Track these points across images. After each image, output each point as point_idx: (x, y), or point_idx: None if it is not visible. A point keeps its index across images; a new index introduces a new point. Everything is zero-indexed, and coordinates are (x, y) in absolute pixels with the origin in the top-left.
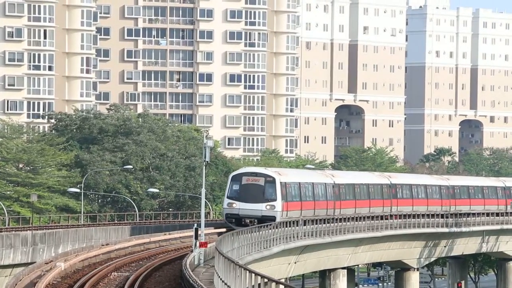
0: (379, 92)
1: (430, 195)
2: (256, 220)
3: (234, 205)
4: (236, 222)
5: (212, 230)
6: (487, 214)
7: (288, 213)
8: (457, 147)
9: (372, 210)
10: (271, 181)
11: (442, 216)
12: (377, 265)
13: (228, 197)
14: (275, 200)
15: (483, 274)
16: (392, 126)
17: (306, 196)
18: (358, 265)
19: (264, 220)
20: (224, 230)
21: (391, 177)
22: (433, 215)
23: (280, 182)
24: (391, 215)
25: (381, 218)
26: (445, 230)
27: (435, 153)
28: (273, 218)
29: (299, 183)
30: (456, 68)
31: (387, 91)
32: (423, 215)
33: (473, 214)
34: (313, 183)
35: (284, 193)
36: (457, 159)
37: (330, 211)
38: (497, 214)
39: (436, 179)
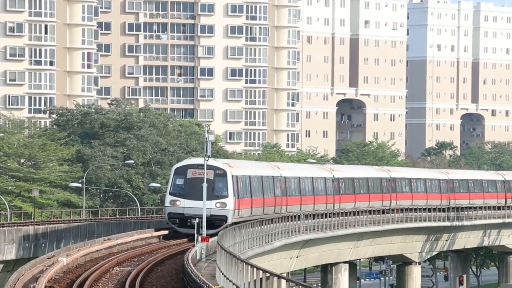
0: (380, 86)
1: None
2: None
3: (178, 202)
4: (180, 222)
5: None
6: (489, 208)
7: (240, 212)
8: (458, 141)
9: (316, 207)
10: (221, 174)
11: (444, 210)
12: (378, 259)
13: (170, 193)
14: (226, 196)
15: (484, 268)
16: (394, 120)
17: (260, 191)
18: (360, 259)
19: (213, 221)
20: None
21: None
22: (434, 209)
23: (232, 176)
24: (392, 209)
25: (383, 212)
26: (447, 224)
27: (436, 147)
28: (224, 218)
29: (250, 176)
30: (458, 62)
31: (388, 85)
32: (424, 209)
33: (475, 208)
34: (272, 176)
35: (236, 189)
36: (458, 153)
37: (280, 208)
38: (499, 208)
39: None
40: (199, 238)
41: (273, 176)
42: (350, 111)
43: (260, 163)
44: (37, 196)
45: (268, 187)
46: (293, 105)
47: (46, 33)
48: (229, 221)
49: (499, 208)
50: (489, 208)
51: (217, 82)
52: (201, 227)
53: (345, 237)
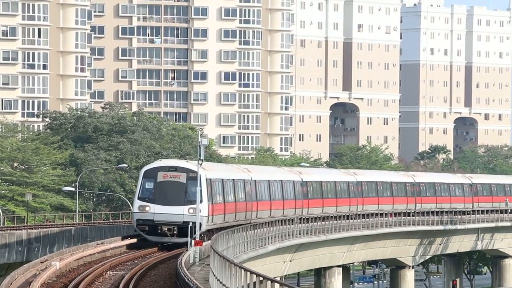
0: (374, 90)
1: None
2: (176, 228)
3: (147, 208)
4: (150, 230)
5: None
6: (482, 212)
7: (214, 218)
8: (451, 144)
9: (286, 212)
10: (194, 177)
11: (437, 213)
12: (372, 263)
13: (139, 198)
14: (200, 201)
15: (479, 269)
16: (387, 124)
17: (232, 196)
18: (353, 263)
19: (186, 228)
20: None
21: (302, 173)
22: (428, 213)
23: (206, 179)
24: (386, 213)
25: (376, 216)
26: (440, 227)
27: (429, 151)
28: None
29: (223, 180)
30: (451, 65)
31: (381, 89)
32: (418, 213)
33: (468, 211)
34: (244, 180)
35: (210, 193)
36: (452, 156)
37: (261, 213)
38: (491, 212)
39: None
40: (193, 242)
41: (244, 180)
42: (343, 115)
43: (231, 166)
44: (30, 200)
45: (239, 191)
46: (286, 109)
47: (39, 36)
48: (203, 228)
49: (491, 211)
50: (482, 212)
51: (210, 85)
52: (172, 235)
53: (338, 241)
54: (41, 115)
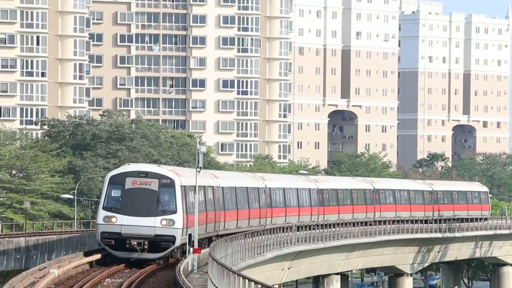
0: (372, 98)
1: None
2: (146, 242)
3: (113, 219)
4: (116, 244)
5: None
6: (480, 220)
7: (190, 231)
8: (450, 152)
9: (252, 223)
10: (168, 184)
11: (436, 221)
12: (370, 270)
13: (104, 208)
14: (174, 212)
15: (476, 280)
16: (385, 132)
17: (210, 204)
18: (351, 270)
19: (158, 242)
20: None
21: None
22: (426, 221)
23: (181, 186)
24: (379, 221)
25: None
26: (439, 235)
27: (428, 159)
28: (171, 239)
29: (205, 187)
30: (449, 73)
31: (380, 97)
32: (416, 221)
33: (467, 219)
34: (214, 187)
35: (185, 202)
36: (450, 164)
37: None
38: (480, 219)
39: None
40: (191, 249)
41: (213, 187)
42: (342, 123)
43: (204, 172)
44: (28, 207)
45: (212, 199)
46: (285, 116)
47: (38, 44)
48: (178, 242)
49: (480, 219)
50: (480, 219)
51: (209, 93)
52: (143, 250)
53: (337, 249)
54: (39, 123)
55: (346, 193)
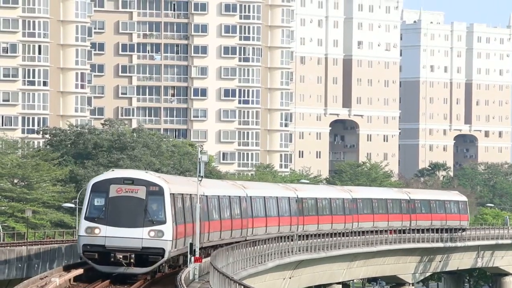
0: (374, 107)
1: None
2: (133, 255)
3: (96, 230)
4: (100, 258)
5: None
6: (482, 229)
7: (179, 242)
8: (452, 161)
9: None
10: (156, 192)
11: (437, 231)
12: (372, 280)
13: (87, 218)
14: (163, 222)
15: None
16: (387, 141)
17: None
18: (353, 280)
19: (146, 255)
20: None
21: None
22: (428, 230)
23: (170, 194)
24: (386, 230)
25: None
26: (440, 245)
27: (429, 168)
28: (160, 252)
29: (191, 195)
30: (451, 82)
31: (381, 106)
32: (418, 230)
33: (469, 228)
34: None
35: (174, 212)
36: (452, 174)
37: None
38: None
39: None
40: (192, 258)
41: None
42: (343, 132)
43: (187, 179)
44: (30, 216)
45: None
46: (286, 125)
47: (39, 53)
48: (167, 255)
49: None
50: (482, 229)
51: (210, 102)
52: (129, 264)
53: (338, 258)
54: (41, 132)
55: (325, 202)
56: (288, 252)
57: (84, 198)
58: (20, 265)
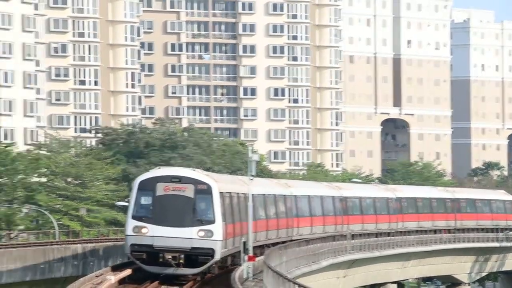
0: (425, 106)
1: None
2: (182, 256)
3: (144, 230)
4: (148, 258)
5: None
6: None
7: (229, 242)
8: (505, 161)
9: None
10: (204, 190)
11: (493, 230)
12: (427, 279)
13: (134, 217)
14: (212, 221)
15: None
16: (439, 140)
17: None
18: (407, 279)
19: (195, 256)
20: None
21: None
22: (483, 229)
23: (219, 193)
24: (441, 230)
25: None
26: (496, 244)
27: (483, 167)
28: (210, 252)
29: (238, 194)
30: (502, 81)
31: (432, 105)
32: (473, 229)
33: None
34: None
35: (223, 211)
36: (506, 173)
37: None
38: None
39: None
40: (246, 257)
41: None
42: (394, 131)
43: (233, 177)
44: (84, 214)
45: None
46: (337, 124)
47: (89, 53)
48: (217, 256)
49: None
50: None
51: (260, 101)
52: (178, 264)
53: (393, 257)
54: (93, 131)
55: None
56: (342, 251)
57: (131, 196)
58: (75, 263)
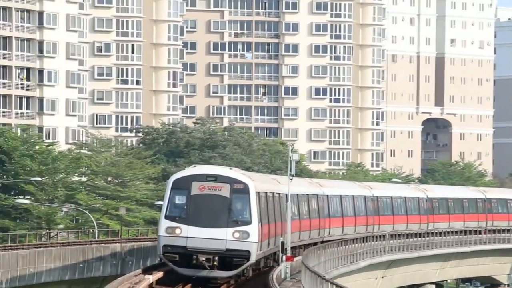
0: (467, 105)
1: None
2: (216, 258)
3: (177, 230)
4: (181, 260)
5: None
6: None
7: (263, 244)
8: None
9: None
10: (241, 190)
11: None
12: (466, 280)
13: (167, 217)
14: (249, 222)
15: None
16: (480, 140)
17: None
18: (446, 280)
19: (230, 258)
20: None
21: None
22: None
23: (256, 193)
24: (480, 231)
25: (474, 233)
26: None
27: None
28: (245, 254)
29: (279, 193)
30: None
31: (475, 104)
32: (503, 231)
33: None
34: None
35: (260, 211)
36: None
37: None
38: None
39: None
40: (284, 257)
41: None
42: (435, 130)
43: (267, 176)
44: (124, 214)
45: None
46: (377, 124)
47: (133, 52)
48: (253, 258)
49: None
50: None
51: (301, 101)
52: (212, 266)
53: (431, 258)
54: (134, 130)
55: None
56: (380, 251)
57: (164, 195)
58: (114, 262)
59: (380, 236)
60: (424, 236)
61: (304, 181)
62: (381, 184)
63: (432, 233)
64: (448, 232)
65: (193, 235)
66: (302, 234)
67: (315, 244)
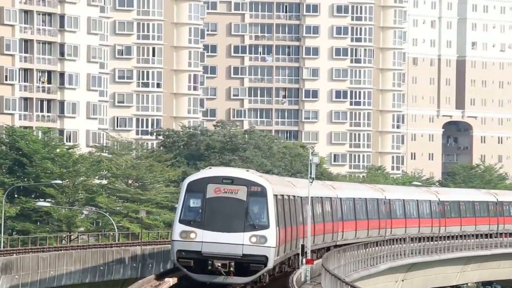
0: (488, 108)
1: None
2: (232, 263)
3: (192, 235)
4: (196, 266)
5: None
6: None
7: (281, 249)
8: None
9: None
10: (258, 192)
11: None
12: (487, 284)
13: (181, 221)
14: (266, 227)
15: None
16: (501, 143)
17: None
18: (467, 283)
19: (247, 263)
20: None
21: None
22: None
23: (274, 196)
24: (500, 233)
25: (489, 236)
26: None
27: None
28: (263, 260)
29: (289, 196)
30: None
31: (496, 107)
32: None
33: None
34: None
35: (277, 215)
36: None
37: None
38: None
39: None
40: (304, 260)
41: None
42: (456, 134)
43: (283, 179)
44: (144, 217)
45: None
46: (398, 127)
47: (153, 55)
48: (270, 264)
49: None
50: None
51: (321, 104)
52: (228, 272)
53: (451, 261)
54: (154, 133)
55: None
56: (400, 254)
57: (179, 198)
58: (134, 265)
59: (400, 239)
60: (444, 240)
61: (317, 183)
62: (393, 187)
63: (452, 236)
64: (468, 235)
65: (209, 240)
66: (316, 238)
67: (328, 248)
